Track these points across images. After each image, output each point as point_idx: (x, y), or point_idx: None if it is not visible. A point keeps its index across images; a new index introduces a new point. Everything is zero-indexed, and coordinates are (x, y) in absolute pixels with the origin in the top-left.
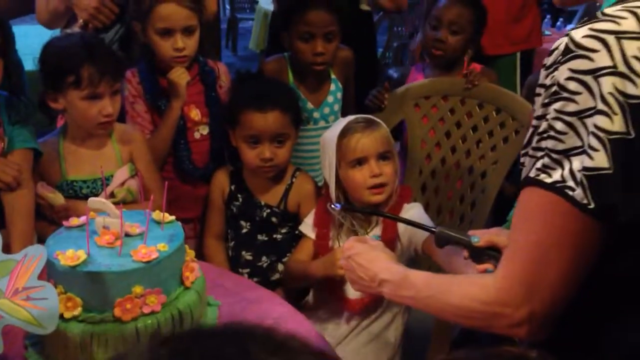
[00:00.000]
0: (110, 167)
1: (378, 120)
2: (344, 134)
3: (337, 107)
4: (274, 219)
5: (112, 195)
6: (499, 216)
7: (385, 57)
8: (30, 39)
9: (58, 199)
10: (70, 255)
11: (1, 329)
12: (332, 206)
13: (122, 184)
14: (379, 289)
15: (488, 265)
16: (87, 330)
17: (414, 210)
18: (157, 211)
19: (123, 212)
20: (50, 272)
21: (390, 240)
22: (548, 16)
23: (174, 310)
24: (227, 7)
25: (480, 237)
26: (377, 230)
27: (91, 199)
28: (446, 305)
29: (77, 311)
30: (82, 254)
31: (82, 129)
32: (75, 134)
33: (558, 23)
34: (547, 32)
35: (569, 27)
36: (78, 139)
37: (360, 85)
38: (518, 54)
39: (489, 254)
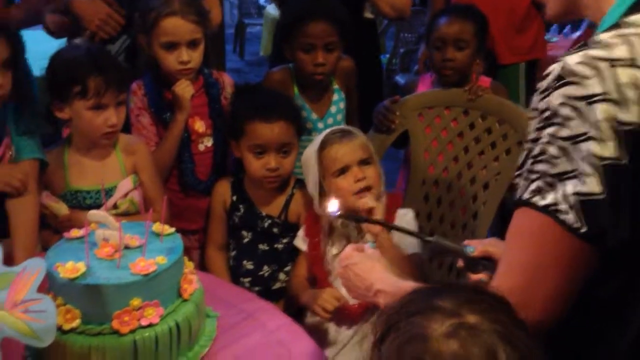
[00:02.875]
0: (114, 177)
1: (354, 129)
2: (323, 146)
3: (340, 117)
4: (275, 230)
5: (115, 206)
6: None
7: (392, 64)
8: (41, 45)
9: (62, 209)
10: (69, 268)
11: (0, 341)
12: (331, 212)
13: (126, 195)
14: (375, 298)
15: (482, 276)
16: (86, 342)
17: (408, 216)
18: (157, 223)
19: (123, 224)
20: (51, 284)
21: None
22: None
23: (171, 323)
24: (235, 12)
25: (475, 247)
26: (369, 237)
27: (91, 212)
28: None
29: (76, 323)
30: (81, 266)
31: (86, 139)
32: (80, 144)
33: (565, 30)
34: (554, 39)
35: (576, 34)
36: (83, 149)
37: (365, 94)
38: (522, 65)
39: (483, 264)
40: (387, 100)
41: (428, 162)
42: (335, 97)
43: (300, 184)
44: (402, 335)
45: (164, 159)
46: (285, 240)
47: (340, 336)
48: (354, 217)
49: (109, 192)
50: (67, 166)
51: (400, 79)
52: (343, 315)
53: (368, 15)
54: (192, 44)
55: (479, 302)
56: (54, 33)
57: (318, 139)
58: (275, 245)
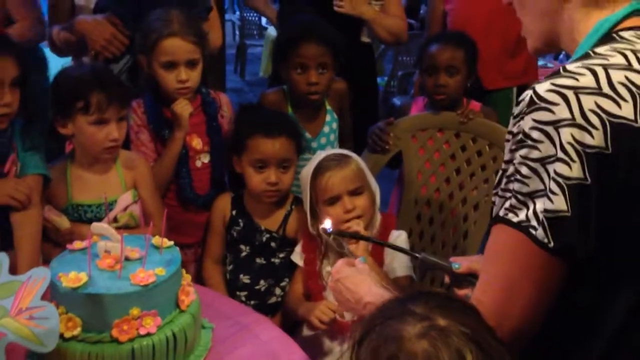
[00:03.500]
0: (114, 192)
1: (350, 154)
2: (317, 172)
3: (333, 137)
4: (273, 244)
5: (115, 219)
6: None
7: (390, 86)
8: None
9: (64, 222)
10: (72, 277)
11: (5, 347)
12: (324, 228)
13: (125, 209)
14: (364, 311)
15: (467, 291)
16: (86, 349)
17: (401, 238)
18: (157, 236)
19: (124, 236)
20: (53, 293)
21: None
22: None
23: (168, 332)
24: (237, 33)
25: (461, 263)
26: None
27: (94, 224)
28: None
29: (77, 331)
30: (83, 276)
31: (88, 154)
32: (82, 159)
33: (560, 56)
34: (549, 65)
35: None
36: (85, 164)
37: (361, 117)
38: (514, 89)
39: (469, 280)
40: (381, 122)
41: (421, 182)
42: (328, 118)
43: (298, 201)
44: (378, 337)
45: (163, 175)
46: (282, 255)
47: (334, 349)
48: (346, 233)
49: (109, 206)
50: (70, 181)
51: (397, 101)
52: (337, 330)
53: (365, 39)
54: (191, 64)
55: (449, 307)
56: (60, 51)
57: (314, 161)
58: (272, 260)
